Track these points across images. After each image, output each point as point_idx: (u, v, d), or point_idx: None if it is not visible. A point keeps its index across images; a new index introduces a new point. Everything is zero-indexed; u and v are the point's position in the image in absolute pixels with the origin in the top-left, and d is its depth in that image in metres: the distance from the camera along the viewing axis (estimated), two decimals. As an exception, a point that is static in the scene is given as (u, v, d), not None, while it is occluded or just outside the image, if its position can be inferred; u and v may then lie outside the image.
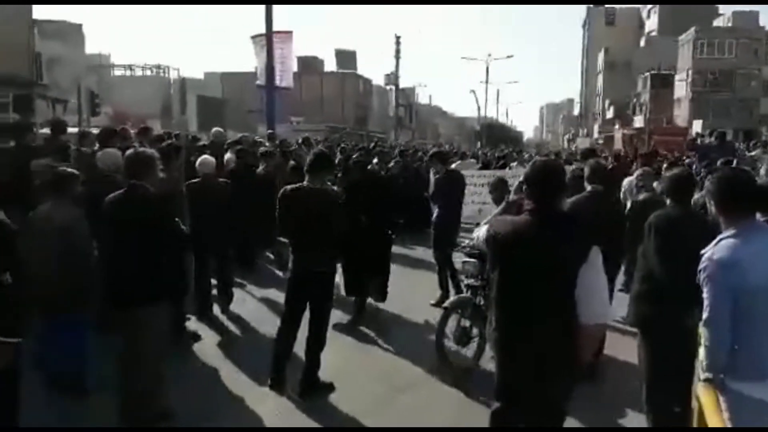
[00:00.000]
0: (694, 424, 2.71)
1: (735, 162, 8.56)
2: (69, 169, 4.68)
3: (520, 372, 2.91)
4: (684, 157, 11.00)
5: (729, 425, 2.61)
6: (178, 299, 5.24)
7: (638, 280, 3.93)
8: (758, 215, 3.34)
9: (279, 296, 7.14)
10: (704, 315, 2.72)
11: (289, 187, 4.87)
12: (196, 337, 5.83)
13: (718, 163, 8.23)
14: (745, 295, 2.64)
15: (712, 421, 2.54)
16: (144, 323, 3.92)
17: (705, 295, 2.71)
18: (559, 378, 2.82)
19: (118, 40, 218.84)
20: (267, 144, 12.08)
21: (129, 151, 4.40)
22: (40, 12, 29.46)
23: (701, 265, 2.74)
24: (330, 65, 60.86)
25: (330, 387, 4.81)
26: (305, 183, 4.76)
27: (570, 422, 3.73)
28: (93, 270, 4.36)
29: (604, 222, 4.72)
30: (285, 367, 4.80)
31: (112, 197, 4.07)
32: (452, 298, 5.72)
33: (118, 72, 55.84)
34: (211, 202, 6.29)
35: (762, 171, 5.73)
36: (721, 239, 2.75)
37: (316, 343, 4.75)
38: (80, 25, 45.24)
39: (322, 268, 4.72)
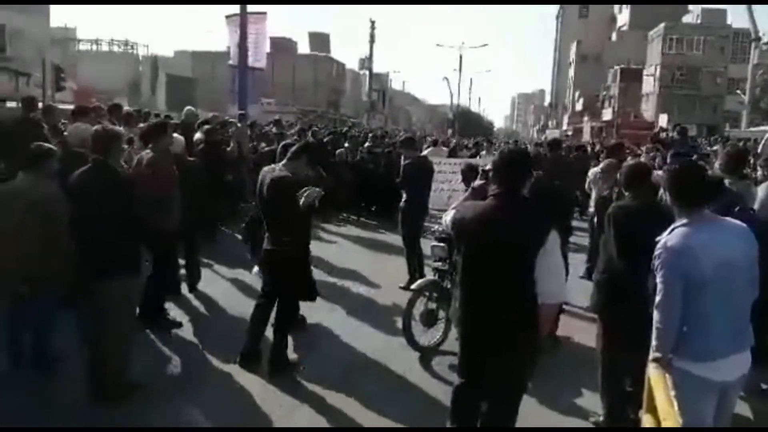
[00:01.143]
0: (644, 402, 2.87)
1: (693, 155, 8.86)
2: (46, 145, 4.63)
3: (482, 348, 3.05)
4: (647, 150, 11.29)
5: (675, 402, 2.78)
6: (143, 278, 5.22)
7: (599, 269, 4.10)
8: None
9: (246, 276, 7.24)
10: (656, 298, 2.86)
11: (264, 169, 4.92)
12: (175, 324, 5.80)
13: (669, 155, 8.52)
14: (696, 280, 2.78)
15: (660, 398, 2.70)
16: (104, 296, 4.04)
17: (658, 279, 2.86)
18: (520, 352, 2.96)
19: (85, 15, 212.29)
20: (238, 124, 12.03)
21: (96, 127, 4.51)
22: (2, -18, 28.38)
23: (656, 252, 2.89)
24: (303, 48, 60.34)
25: (297, 365, 4.90)
26: (274, 166, 4.82)
27: (529, 400, 3.91)
28: (68, 244, 4.36)
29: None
30: (257, 345, 4.89)
31: (76, 173, 4.19)
32: (419, 281, 5.84)
33: (83, 47, 54.39)
34: (183, 183, 6.26)
35: (716, 165, 5.95)
36: (674, 228, 2.90)
37: (281, 321, 4.83)
38: (45, -3, 43.77)
39: (285, 249, 4.78)
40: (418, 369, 5.07)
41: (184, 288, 6.72)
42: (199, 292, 6.78)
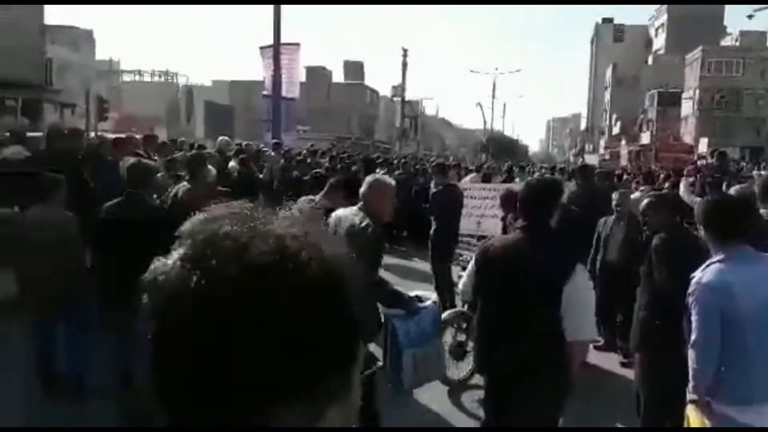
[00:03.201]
0: None
1: (726, 180, 8.54)
2: (56, 175, 4.74)
3: (504, 388, 2.95)
4: (687, 174, 10.99)
5: None
6: None
7: (642, 303, 3.92)
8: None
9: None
10: (691, 337, 2.75)
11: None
12: None
13: (705, 182, 8.25)
14: (733, 319, 2.66)
15: None
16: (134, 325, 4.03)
17: (692, 317, 2.74)
18: (546, 393, 2.84)
19: (128, 46, 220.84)
20: (272, 153, 12.20)
21: (132, 161, 4.69)
22: (52, 18, 29.81)
23: (690, 289, 2.78)
24: (338, 76, 61.31)
25: None
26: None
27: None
28: (86, 271, 4.44)
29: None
30: None
31: (109, 204, 4.31)
32: (448, 311, 5.74)
33: (126, 77, 56.40)
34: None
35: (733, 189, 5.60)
36: (710, 263, 2.78)
37: None
38: (91, 31, 45.78)
39: None
40: (446, 403, 4.95)
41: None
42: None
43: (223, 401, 0.57)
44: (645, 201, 4.38)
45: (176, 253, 0.62)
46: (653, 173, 12.12)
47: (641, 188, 8.45)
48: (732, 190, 4.68)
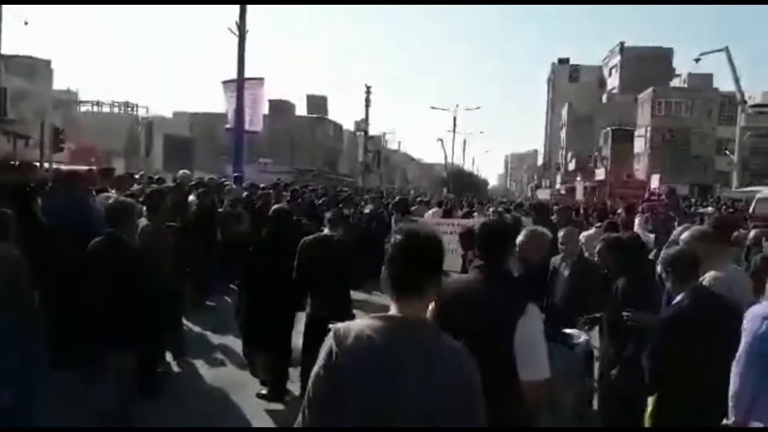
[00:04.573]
0: None
1: (676, 220, 8.92)
2: (8, 211, 4.62)
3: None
4: (642, 210, 11.37)
5: None
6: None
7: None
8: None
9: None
10: (735, 363, 2.96)
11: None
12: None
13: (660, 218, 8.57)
14: None
15: None
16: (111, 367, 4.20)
17: (741, 345, 2.95)
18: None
19: (88, 77, 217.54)
20: (234, 186, 12.14)
21: (110, 201, 4.60)
22: (7, 47, 29.18)
23: (746, 318, 3.01)
24: (301, 110, 61.56)
25: None
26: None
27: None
28: (36, 311, 4.32)
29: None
30: None
31: (92, 244, 4.33)
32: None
33: (84, 108, 55.38)
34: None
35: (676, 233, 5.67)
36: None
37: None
38: (48, 61, 44.96)
39: None
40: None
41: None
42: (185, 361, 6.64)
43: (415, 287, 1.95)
44: (601, 243, 4.52)
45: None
46: (607, 209, 12.45)
47: (596, 225, 8.63)
48: (680, 229, 4.83)
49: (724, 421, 2.94)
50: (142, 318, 4.28)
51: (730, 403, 2.92)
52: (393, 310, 1.94)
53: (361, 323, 1.90)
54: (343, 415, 1.82)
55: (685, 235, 4.16)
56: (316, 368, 1.90)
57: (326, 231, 5.43)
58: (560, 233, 5.62)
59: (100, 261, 4.16)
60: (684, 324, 3.36)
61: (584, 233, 8.86)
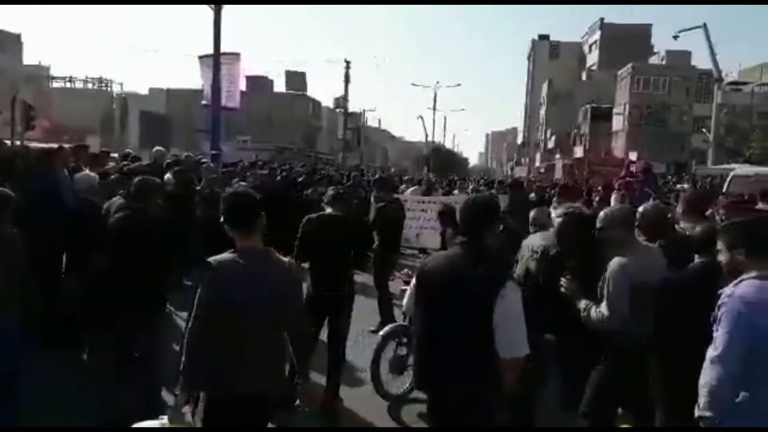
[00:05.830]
0: None
1: (652, 196, 8.97)
2: (5, 191, 4.48)
3: (440, 406, 2.96)
4: (618, 188, 11.37)
5: None
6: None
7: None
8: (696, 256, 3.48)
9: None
10: (712, 352, 2.65)
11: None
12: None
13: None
14: (763, 339, 2.54)
15: None
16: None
17: (719, 331, 2.63)
18: (479, 411, 2.85)
19: (60, 52, 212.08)
20: (211, 164, 11.92)
21: (137, 178, 4.86)
22: (-25, 19, 28.22)
23: (720, 301, 2.68)
24: (280, 86, 60.76)
25: None
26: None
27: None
28: (31, 287, 4.20)
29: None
30: None
31: (116, 217, 4.62)
32: (390, 325, 5.73)
33: (57, 84, 54.05)
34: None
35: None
36: (743, 279, 2.70)
37: None
38: (19, 35, 43.72)
39: None
40: (386, 418, 4.93)
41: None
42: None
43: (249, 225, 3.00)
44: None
45: None
46: (576, 187, 12.19)
47: (563, 204, 8.51)
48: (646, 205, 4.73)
49: (696, 413, 2.66)
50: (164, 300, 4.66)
51: (703, 397, 2.63)
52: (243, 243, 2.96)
53: (229, 255, 2.94)
54: (217, 312, 2.83)
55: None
56: (200, 291, 2.90)
57: (329, 210, 5.30)
58: (532, 213, 5.49)
59: (134, 234, 4.34)
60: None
61: (555, 212, 8.91)
